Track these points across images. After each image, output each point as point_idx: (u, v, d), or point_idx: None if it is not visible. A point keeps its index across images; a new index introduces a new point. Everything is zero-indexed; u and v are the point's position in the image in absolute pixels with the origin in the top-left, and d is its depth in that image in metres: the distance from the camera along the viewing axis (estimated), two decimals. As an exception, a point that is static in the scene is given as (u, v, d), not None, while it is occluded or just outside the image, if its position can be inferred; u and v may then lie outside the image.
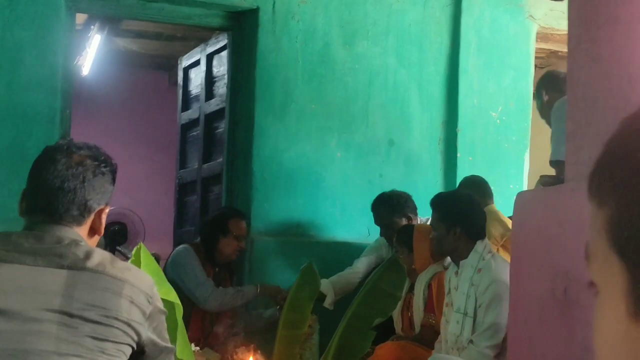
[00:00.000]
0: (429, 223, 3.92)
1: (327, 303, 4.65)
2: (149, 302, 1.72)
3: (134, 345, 1.69)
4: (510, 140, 5.56)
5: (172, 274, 4.28)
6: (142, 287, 1.72)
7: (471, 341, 3.51)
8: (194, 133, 6.00)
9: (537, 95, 4.74)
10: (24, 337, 1.54)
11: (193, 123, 6.00)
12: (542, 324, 2.69)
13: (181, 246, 4.62)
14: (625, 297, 0.56)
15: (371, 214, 4.79)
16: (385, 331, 4.37)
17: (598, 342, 0.60)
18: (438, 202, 3.78)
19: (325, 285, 4.60)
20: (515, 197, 2.96)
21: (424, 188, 5.17)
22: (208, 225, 4.55)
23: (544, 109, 4.64)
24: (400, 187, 5.08)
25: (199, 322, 4.40)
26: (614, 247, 0.56)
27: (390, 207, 4.69)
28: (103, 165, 1.79)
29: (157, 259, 4.19)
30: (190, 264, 4.39)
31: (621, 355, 0.57)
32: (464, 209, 3.68)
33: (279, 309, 4.44)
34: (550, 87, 4.58)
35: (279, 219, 5.08)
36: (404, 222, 4.61)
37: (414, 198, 4.85)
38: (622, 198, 0.55)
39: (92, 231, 1.81)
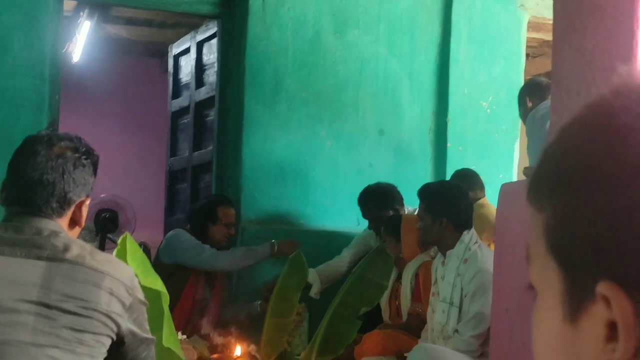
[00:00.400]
0: (416, 213, 3.93)
1: (313, 292, 4.66)
2: (129, 293, 1.73)
3: (114, 337, 1.70)
4: (501, 130, 5.57)
5: (170, 255, 4.32)
6: (122, 278, 1.73)
7: (457, 330, 3.53)
8: (185, 121, 5.99)
9: (521, 102, 4.76)
10: (1, 328, 1.55)
11: (183, 111, 6.00)
12: (523, 312, 2.71)
13: (173, 230, 4.66)
14: (561, 301, 0.56)
15: (361, 203, 4.81)
16: (373, 320, 4.39)
17: (536, 344, 0.61)
18: (425, 193, 3.80)
19: (311, 274, 4.61)
20: (499, 188, 2.98)
21: (413, 178, 5.18)
22: (197, 213, 4.57)
23: (527, 116, 4.69)
24: (389, 177, 5.09)
25: (188, 311, 4.41)
26: (551, 251, 0.57)
27: (376, 202, 4.71)
28: (84, 157, 1.79)
29: (146, 248, 4.21)
30: (185, 239, 4.43)
31: (557, 358, 0.57)
32: (451, 199, 3.69)
33: (261, 304, 4.47)
34: (533, 94, 4.63)
35: (269, 207, 5.09)
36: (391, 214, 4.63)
37: (403, 188, 4.85)
38: (557, 204, 0.56)
39: (73, 223, 1.81)
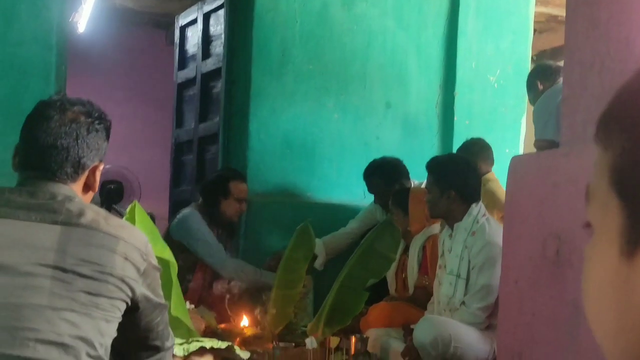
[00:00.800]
0: (424, 186, 3.92)
1: (318, 264, 4.68)
2: (143, 259, 1.73)
3: (128, 301, 1.70)
4: (508, 104, 5.55)
5: (180, 236, 4.30)
6: (136, 244, 1.72)
7: (463, 303, 3.54)
8: (191, 92, 5.97)
9: (531, 86, 4.75)
10: (17, 291, 1.55)
11: (190, 82, 5.97)
12: (532, 284, 2.71)
13: (187, 209, 4.57)
14: (619, 237, 0.58)
15: (367, 176, 4.82)
16: (379, 292, 4.41)
17: (587, 281, 0.63)
18: (433, 165, 3.79)
19: (317, 245, 4.63)
20: (510, 161, 2.97)
21: (420, 151, 5.18)
22: (208, 187, 4.54)
23: (537, 99, 4.67)
24: (396, 150, 5.08)
25: (200, 283, 4.41)
26: (615, 188, 0.59)
27: (382, 176, 4.70)
28: (97, 121, 1.78)
29: (152, 218, 4.21)
30: (199, 229, 4.37)
31: (608, 295, 0.59)
32: (459, 172, 3.68)
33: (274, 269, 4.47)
34: (543, 77, 4.63)
35: (275, 180, 5.09)
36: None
37: (409, 161, 4.85)
38: (628, 142, 0.57)
39: (87, 188, 1.80)
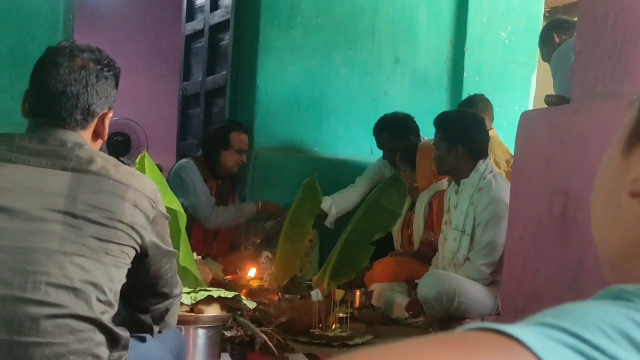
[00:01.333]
0: (432, 142, 3.92)
1: (328, 222, 4.70)
2: (152, 206, 1.74)
3: (137, 248, 1.71)
4: (518, 61, 5.51)
5: (174, 187, 4.29)
6: (145, 191, 1.73)
7: (468, 258, 3.57)
8: (198, 44, 5.94)
9: (546, 40, 4.64)
10: (29, 236, 1.56)
11: (197, 34, 5.93)
12: (537, 241, 2.72)
13: (183, 160, 4.61)
14: (626, 136, 0.62)
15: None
16: (385, 247, 4.43)
17: (597, 175, 0.66)
18: (441, 121, 3.78)
19: (327, 203, 4.64)
20: (519, 116, 2.95)
21: (428, 107, 5.16)
22: (210, 137, 4.53)
23: (553, 52, 4.60)
24: (405, 106, 5.06)
25: (202, 232, 4.45)
26: None
27: (391, 133, 4.69)
28: (106, 69, 1.77)
29: (160, 169, 4.22)
30: (191, 179, 4.38)
31: (605, 183, 0.63)
32: (467, 128, 3.67)
33: (280, 221, 4.50)
34: (560, 30, 4.54)
35: (282, 134, 5.08)
36: None
37: (418, 117, 4.84)
38: None
39: (96, 135, 1.81)
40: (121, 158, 6.12)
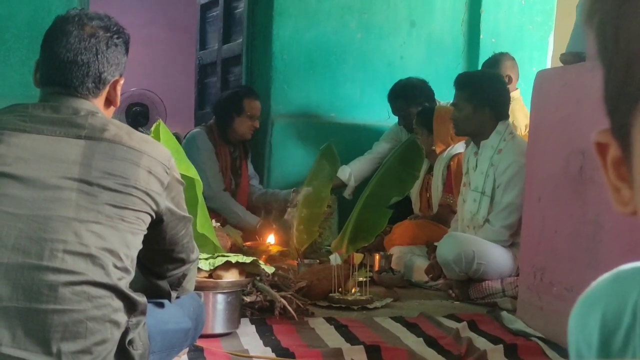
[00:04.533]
0: (451, 104, 3.88)
1: (347, 193, 4.70)
2: (166, 172, 1.75)
3: (153, 215, 1.73)
4: (535, 22, 5.43)
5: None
6: (159, 158, 1.74)
7: (487, 220, 3.55)
8: (214, 13, 5.91)
9: None
10: (45, 204, 1.58)
11: (212, 3, 5.91)
12: (555, 201, 2.71)
13: (195, 130, 4.62)
14: None
15: (391, 97, 4.79)
16: (404, 211, 4.44)
17: None
18: (465, 81, 3.71)
19: (345, 173, 4.63)
20: (535, 75, 2.92)
21: (445, 70, 5.12)
22: (222, 104, 4.54)
23: None
24: (421, 70, 5.02)
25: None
26: None
27: (405, 98, 4.66)
28: (116, 36, 1.78)
29: (178, 138, 4.23)
30: (198, 148, 4.38)
31: None
32: (494, 88, 3.62)
33: (294, 191, 4.51)
34: None
35: (299, 101, 5.07)
36: None
37: (434, 80, 4.80)
38: None
39: (108, 102, 1.82)
40: (140, 128, 6.15)
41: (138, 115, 6.40)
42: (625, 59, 0.47)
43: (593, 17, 0.49)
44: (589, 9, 0.49)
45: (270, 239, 3.96)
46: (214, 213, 4.14)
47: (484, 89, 3.61)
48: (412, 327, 2.90)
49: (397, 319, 3.04)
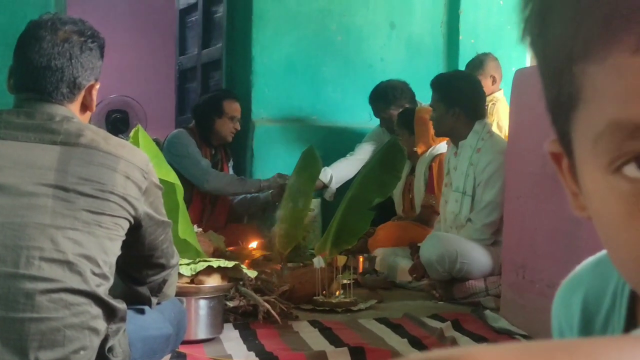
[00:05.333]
0: (429, 105, 3.90)
1: (327, 195, 4.69)
2: (144, 177, 1.74)
3: (131, 220, 1.71)
4: (514, 22, 5.31)
5: (168, 157, 4.28)
6: (136, 162, 1.73)
7: (469, 219, 3.56)
8: (193, 18, 5.90)
9: None
10: (21, 211, 1.56)
11: (191, 7, 5.89)
12: (535, 199, 2.72)
13: (175, 130, 4.65)
14: None
15: (373, 99, 4.79)
16: (387, 213, 4.44)
17: None
18: (438, 83, 3.75)
19: (326, 175, 4.62)
20: (514, 73, 2.94)
21: (425, 71, 5.12)
22: (202, 107, 4.54)
23: None
24: (401, 71, 5.03)
25: (200, 204, 4.46)
26: None
27: (386, 100, 4.67)
28: (90, 40, 1.76)
29: (158, 143, 4.21)
30: (185, 145, 4.41)
31: None
32: (463, 88, 3.65)
33: (272, 193, 4.52)
34: None
35: (280, 104, 5.06)
36: None
37: (415, 82, 4.81)
38: None
39: (84, 107, 1.80)
40: (120, 135, 6.11)
41: (118, 122, 6.36)
42: (554, 72, 0.48)
43: (525, 37, 0.50)
44: (521, 29, 0.51)
45: (253, 243, 3.95)
46: (195, 215, 4.13)
47: (455, 90, 3.64)
48: (396, 328, 2.90)
49: (381, 320, 3.04)
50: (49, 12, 1.81)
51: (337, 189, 4.72)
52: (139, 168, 1.73)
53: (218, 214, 4.55)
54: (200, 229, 3.74)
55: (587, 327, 0.64)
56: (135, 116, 6.29)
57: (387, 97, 4.67)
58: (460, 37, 5.32)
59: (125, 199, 1.68)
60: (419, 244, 3.70)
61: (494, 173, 3.47)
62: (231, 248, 3.90)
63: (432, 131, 3.99)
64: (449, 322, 2.82)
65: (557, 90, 0.49)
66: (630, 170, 0.45)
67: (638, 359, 0.33)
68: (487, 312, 3.05)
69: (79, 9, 5.83)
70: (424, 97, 4.72)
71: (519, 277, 2.84)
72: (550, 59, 0.49)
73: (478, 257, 3.47)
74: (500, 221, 3.41)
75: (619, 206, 0.46)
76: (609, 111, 0.45)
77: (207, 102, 4.52)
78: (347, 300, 3.29)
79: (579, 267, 0.68)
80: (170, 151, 4.38)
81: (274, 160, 4.94)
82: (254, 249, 3.88)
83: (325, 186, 4.69)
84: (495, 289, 3.36)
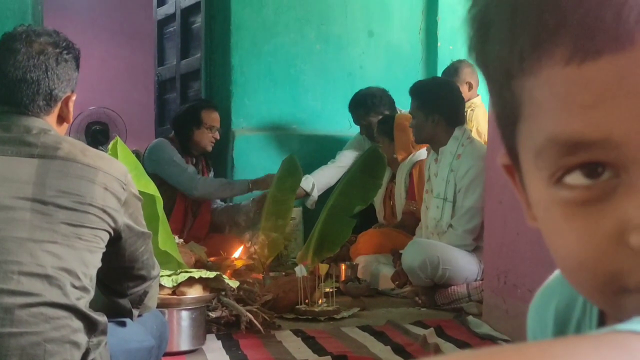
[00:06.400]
0: (409, 111, 3.91)
1: (309, 204, 4.68)
2: (123, 188, 1.72)
3: (111, 232, 1.70)
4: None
5: (152, 167, 4.26)
6: (115, 174, 1.71)
7: (450, 225, 3.57)
8: (171, 29, 5.89)
9: None
10: (-2, 225, 1.55)
11: (169, 18, 5.88)
12: (516, 204, 2.72)
13: (156, 140, 4.65)
14: None
15: (353, 107, 4.80)
16: (368, 220, 4.44)
17: None
18: (416, 90, 3.77)
19: (308, 183, 4.61)
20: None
21: (405, 79, 5.13)
22: (181, 118, 4.53)
23: None
24: (380, 79, 5.05)
25: (181, 214, 4.45)
26: None
27: (365, 108, 4.68)
28: (65, 51, 1.74)
29: (138, 155, 4.20)
30: (168, 153, 4.40)
31: None
32: (441, 95, 3.66)
33: (253, 200, 4.53)
34: None
35: (260, 113, 5.06)
36: None
37: (394, 89, 4.82)
38: None
39: (61, 119, 1.78)
40: (100, 147, 6.08)
41: (98, 134, 6.34)
42: (497, 88, 0.49)
43: (471, 53, 0.51)
44: (467, 46, 0.52)
45: (236, 253, 3.94)
46: (177, 226, 4.11)
47: (434, 96, 3.65)
48: (379, 335, 2.89)
49: (364, 328, 3.04)
50: (22, 25, 1.79)
51: (319, 196, 4.72)
52: (118, 179, 1.72)
53: (199, 224, 4.54)
54: (182, 240, 3.72)
55: (560, 336, 0.64)
56: (115, 128, 6.27)
57: (367, 104, 4.68)
58: (439, 44, 5.35)
59: (104, 211, 1.67)
60: (400, 251, 3.70)
61: (475, 179, 3.48)
62: (213, 259, 3.88)
63: (412, 138, 4.00)
64: (432, 329, 2.82)
65: (501, 105, 0.50)
66: (571, 178, 0.46)
67: (585, 356, 0.34)
68: (470, 317, 3.05)
69: (56, 21, 5.80)
70: (403, 104, 4.74)
71: (501, 283, 2.85)
72: (492, 75, 0.50)
73: (460, 262, 3.48)
74: (481, 227, 3.42)
75: (560, 212, 0.47)
76: (546, 126, 0.46)
77: (186, 113, 4.51)
78: (330, 308, 3.28)
79: (550, 277, 0.68)
80: (153, 159, 4.37)
81: (254, 169, 4.93)
82: (236, 259, 3.87)
83: (307, 194, 4.68)
84: (478, 295, 3.36)
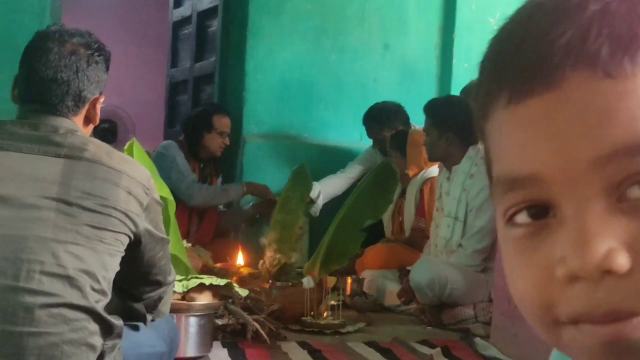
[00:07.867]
0: (422, 129, 3.90)
1: (313, 211, 4.67)
2: (146, 193, 1.72)
3: (131, 236, 1.69)
4: (507, 48, 5.48)
5: (158, 167, 4.24)
6: (139, 178, 1.71)
7: (460, 245, 3.56)
8: (186, 31, 5.89)
9: None
10: (22, 223, 1.53)
11: (185, 21, 5.88)
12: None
13: (165, 142, 4.63)
14: None
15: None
16: (376, 234, 4.42)
17: None
18: (431, 108, 3.75)
19: (315, 190, 4.60)
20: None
21: (418, 94, 5.13)
22: (192, 121, 4.51)
23: None
24: (394, 93, 5.04)
25: (185, 218, 4.43)
26: None
27: (379, 122, 4.68)
28: (97, 53, 1.74)
29: (149, 156, 4.18)
30: (174, 158, 4.38)
31: None
32: (457, 114, 3.65)
33: (253, 205, 4.53)
34: None
35: (271, 121, 5.05)
36: None
37: (407, 104, 4.81)
38: None
39: (87, 121, 1.78)
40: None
41: (106, 133, 6.31)
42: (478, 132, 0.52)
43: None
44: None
45: (240, 260, 3.93)
46: (182, 230, 4.10)
47: (449, 115, 3.64)
48: (385, 352, 2.87)
49: (371, 344, 3.02)
50: (55, 24, 1.78)
51: (324, 205, 4.71)
52: (141, 184, 1.71)
53: (205, 228, 4.52)
54: (190, 244, 3.71)
55: None
56: (124, 127, 6.24)
57: (381, 118, 4.67)
58: (454, 61, 5.34)
59: (126, 215, 1.66)
60: (408, 268, 3.69)
61: (487, 199, 3.47)
62: (219, 264, 3.87)
63: (424, 154, 3.99)
64: (438, 349, 2.80)
65: (483, 147, 0.53)
66: (519, 217, 0.48)
67: None
68: (477, 339, 3.03)
69: (73, 18, 5.81)
70: (416, 119, 4.73)
71: (511, 306, 2.83)
72: (475, 119, 0.53)
73: (469, 283, 3.46)
74: (491, 248, 3.40)
75: (510, 249, 0.49)
76: (495, 166, 0.49)
77: (197, 116, 4.51)
78: (336, 322, 3.27)
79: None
80: (157, 161, 4.35)
81: (263, 176, 4.92)
82: (242, 266, 3.85)
83: (311, 201, 4.67)
84: (485, 316, 3.35)
